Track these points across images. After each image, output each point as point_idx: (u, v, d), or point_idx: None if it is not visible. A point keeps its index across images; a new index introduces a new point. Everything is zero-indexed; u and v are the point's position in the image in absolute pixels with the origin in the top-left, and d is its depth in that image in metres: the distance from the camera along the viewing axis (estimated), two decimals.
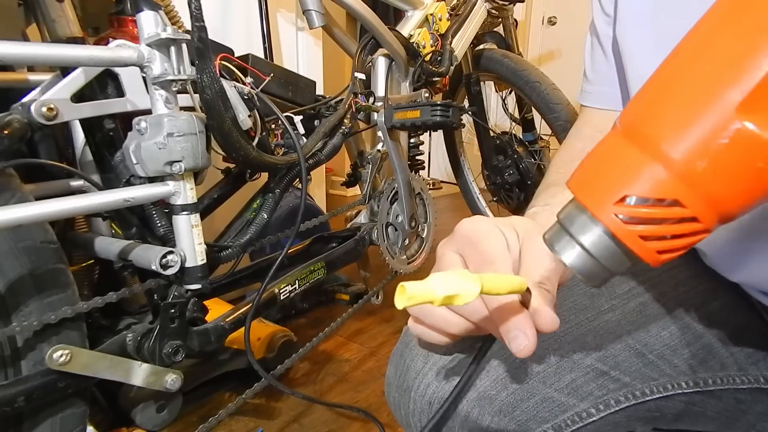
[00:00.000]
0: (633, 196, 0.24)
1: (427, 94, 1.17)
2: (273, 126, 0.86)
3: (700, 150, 0.22)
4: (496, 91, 1.63)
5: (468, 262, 0.34)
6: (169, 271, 0.66)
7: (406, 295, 0.24)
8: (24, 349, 0.60)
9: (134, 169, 0.65)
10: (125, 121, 0.67)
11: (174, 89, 0.64)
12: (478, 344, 0.39)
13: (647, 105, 0.25)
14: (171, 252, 0.66)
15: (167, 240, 0.69)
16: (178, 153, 0.63)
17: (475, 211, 1.76)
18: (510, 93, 1.61)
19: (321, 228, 1.02)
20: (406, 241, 1.11)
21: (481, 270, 0.32)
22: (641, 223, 0.24)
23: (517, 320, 0.31)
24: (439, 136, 1.89)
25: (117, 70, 0.66)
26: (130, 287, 0.69)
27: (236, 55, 0.84)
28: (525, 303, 0.32)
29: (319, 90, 1.22)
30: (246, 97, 0.78)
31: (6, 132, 0.56)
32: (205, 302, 0.76)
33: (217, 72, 0.68)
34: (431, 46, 1.16)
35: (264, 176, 0.86)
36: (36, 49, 0.57)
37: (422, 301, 0.25)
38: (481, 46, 1.51)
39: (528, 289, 0.31)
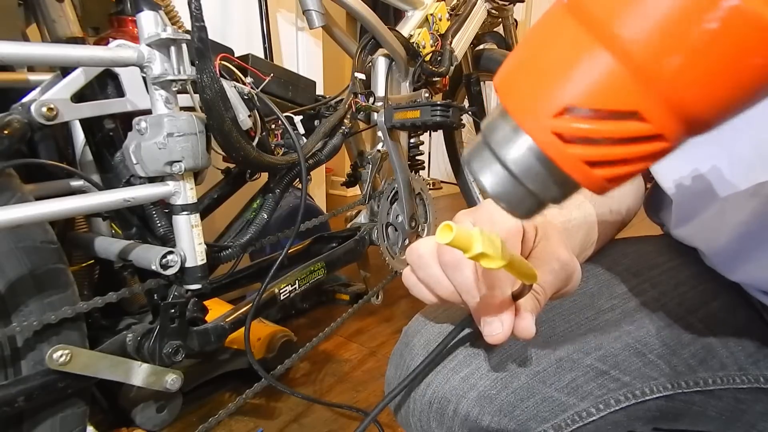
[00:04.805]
0: (577, 107, 0.18)
1: (427, 94, 1.17)
2: (273, 126, 0.86)
3: (672, 40, 0.15)
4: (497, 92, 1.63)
5: None
6: (169, 271, 0.66)
7: (450, 234, 0.24)
8: (24, 349, 0.60)
9: (134, 169, 0.65)
10: (125, 121, 0.67)
11: (174, 89, 0.64)
12: (474, 339, 0.39)
13: None
14: (171, 252, 0.66)
15: (167, 240, 0.69)
16: (178, 153, 0.63)
17: None
18: None
19: (321, 228, 1.02)
20: (406, 241, 1.11)
21: None
22: (586, 143, 0.18)
23: (501, 309, 0.31)
24: (439, 136, 1.89)
25: (117, 70, 0.66)
26: (130, 287, 0.69)
27: (236, 55, 0.84)
28: (515, 295, 0.32)
29: (319, 90, 1.21)
30: (246, 97, 0.78)
31: (6, 132, 0.56)
32: (205, 302, 0.76)
33: (217, 72, 0.68)
34: (431, 46, 1.16)
35: (264, 176, 0.86)
36: (36, 49, 0.57)
37: (459, 246, 0.25)
38: (481, 46, 1.51)
39: (531, 285, 0.32)
